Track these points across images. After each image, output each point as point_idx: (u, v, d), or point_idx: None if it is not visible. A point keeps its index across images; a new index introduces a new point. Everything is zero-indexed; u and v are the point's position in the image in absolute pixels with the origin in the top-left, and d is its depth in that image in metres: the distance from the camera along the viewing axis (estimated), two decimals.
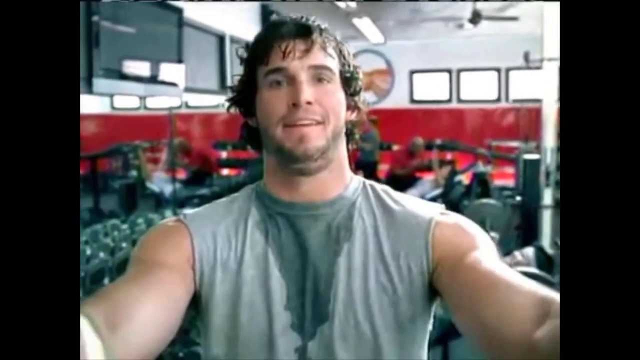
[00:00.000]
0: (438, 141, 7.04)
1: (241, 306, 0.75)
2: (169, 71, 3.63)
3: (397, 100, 8.84)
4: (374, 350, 0.74)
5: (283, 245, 0.77)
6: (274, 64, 0.75)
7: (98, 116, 8.86)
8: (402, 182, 6.12)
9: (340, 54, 0.79)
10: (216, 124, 9.02)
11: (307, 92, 0.74)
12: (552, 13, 4.08)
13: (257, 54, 0.77)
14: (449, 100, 8.91)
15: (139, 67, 3.32)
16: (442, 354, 2.79)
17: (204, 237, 0.78)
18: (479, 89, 8.78)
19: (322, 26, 0.78)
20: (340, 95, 0.78)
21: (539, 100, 4.93)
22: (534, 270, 2.88)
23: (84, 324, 0.56)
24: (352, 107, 0.81)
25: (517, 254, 3.33)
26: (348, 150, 0.83)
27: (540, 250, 3.37)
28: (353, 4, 5.59)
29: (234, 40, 4.79)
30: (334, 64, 0.78)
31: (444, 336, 2.57)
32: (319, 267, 0.76)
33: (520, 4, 5.66)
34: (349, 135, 0.83)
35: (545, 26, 4.17)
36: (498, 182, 6.27)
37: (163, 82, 3.58)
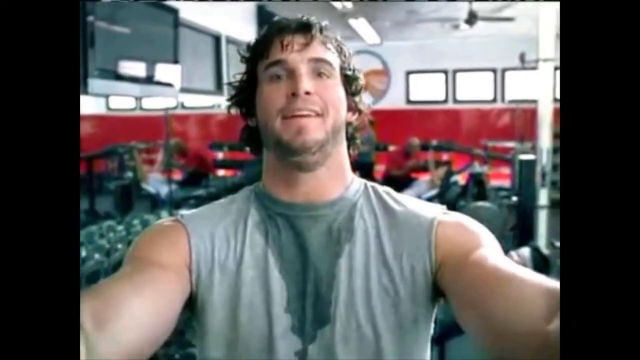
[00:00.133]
0: (434, 142, 7.03)
1: (240, 307, 0.74)
2: (165, 72, 3.62)
3: (393, 100, 8.83)
4: (376, 352, 0.73)
5: (283, 246, 0.76)
6: (273, 56, 0.75)
7: (93, 117, 8.82)
8: (398, 182, 6.11)
9: (341, 52, 0.79)
10: (212, 125, 9.01)
11: (307, 82, 0.74)
12: (548, 14, 4.09)
13: (257, 50, 0.78)
14: (445, 101, 8.92)
15: (134, 68, 3.30)
16: (439, 355, 2.78)
17: (202, 238, 0.76)
18: (475, 89, 8.79)
19: (323, 24, 0.78)
20: (340, 91, 0.78)
21: (534, 101, 4.95)
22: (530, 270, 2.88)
23: None
24: (352, 108, 0.81)
25: (513, 254, 3.33)
26: (350, 155, 0.82)
27: (536, 251, 3.38)
28: (349, 5, 5.60)
29: (230, 40, 4.79)
30: (334, 58, 0.77)
31: (441, 337, 2.57)
32: (320, 269, 0.75)
33: (516, 5, 5.68)
34: (351, 139, 0.82)
35: (541, 27, 4.19)
36: (494, 183, 6.27)
37: (159, 83, 3.56)
